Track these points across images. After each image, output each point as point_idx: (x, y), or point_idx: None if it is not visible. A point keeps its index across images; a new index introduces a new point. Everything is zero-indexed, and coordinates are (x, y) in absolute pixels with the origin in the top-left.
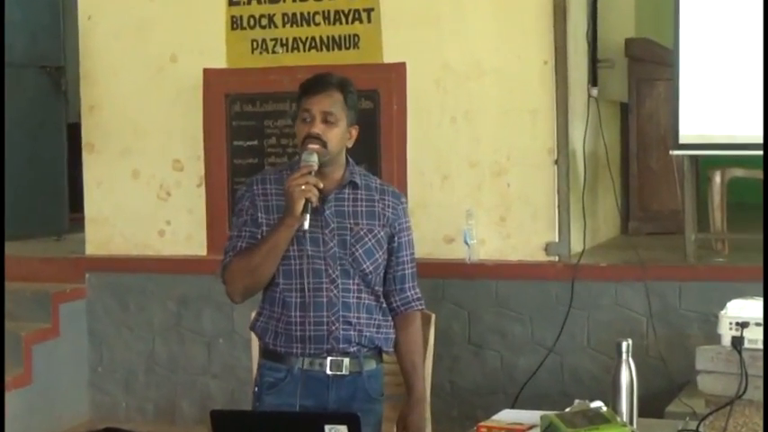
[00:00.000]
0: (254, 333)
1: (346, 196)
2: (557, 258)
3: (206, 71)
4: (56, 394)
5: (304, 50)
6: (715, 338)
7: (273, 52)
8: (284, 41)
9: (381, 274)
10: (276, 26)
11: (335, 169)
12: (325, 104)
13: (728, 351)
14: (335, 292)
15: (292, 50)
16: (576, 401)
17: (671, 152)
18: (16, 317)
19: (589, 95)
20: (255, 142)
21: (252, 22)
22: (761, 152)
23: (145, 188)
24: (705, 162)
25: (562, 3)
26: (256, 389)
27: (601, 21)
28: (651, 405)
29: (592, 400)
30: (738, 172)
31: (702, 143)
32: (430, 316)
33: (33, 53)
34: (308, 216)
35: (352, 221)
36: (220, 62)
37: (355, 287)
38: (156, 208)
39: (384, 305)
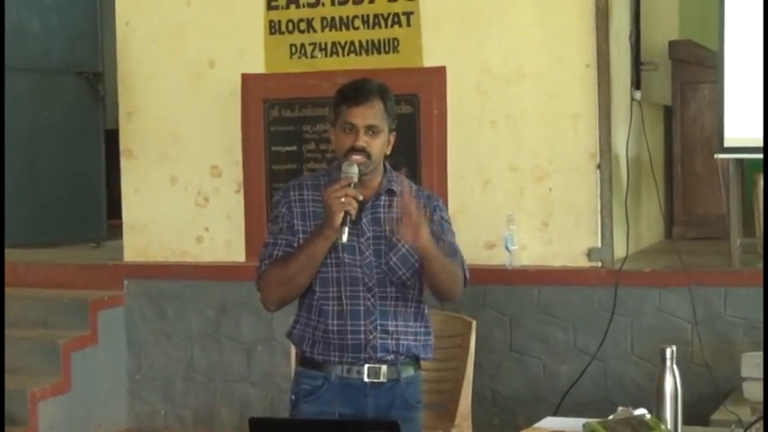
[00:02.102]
0: (291, 341)
1: (383, 203)
2: (599, 264)
3: (244, 76)
4: (94, 402)
5: (343, 55)
6: (761, 345)
7: (312, 57)
8: (323, 46)
9: (421, 279)
10: (315, 30)
11: (374, 177)
12: (369, 117)
13: None
14: (373, 300)
15: (331, 55)
16: (620, 409)
17: (715, 156)
18: (54, 324)
19: (632, 99)
20: (294, 147)
21: (290, 26)
22: None
23: (183, 194)
24: (750, 165)
25: (604, 5)
26: (293, 397)
27: (644, 23)
28: (696, 412)
29: (635, 407)
30: None
31: (747, 146)
32: (471, 323)
33: (71, 59)
34: (346, 228)
35: (387, 229)
36: (259, 67)
37: (393, 295)
38: (195, 214)
39: (426, 311)
